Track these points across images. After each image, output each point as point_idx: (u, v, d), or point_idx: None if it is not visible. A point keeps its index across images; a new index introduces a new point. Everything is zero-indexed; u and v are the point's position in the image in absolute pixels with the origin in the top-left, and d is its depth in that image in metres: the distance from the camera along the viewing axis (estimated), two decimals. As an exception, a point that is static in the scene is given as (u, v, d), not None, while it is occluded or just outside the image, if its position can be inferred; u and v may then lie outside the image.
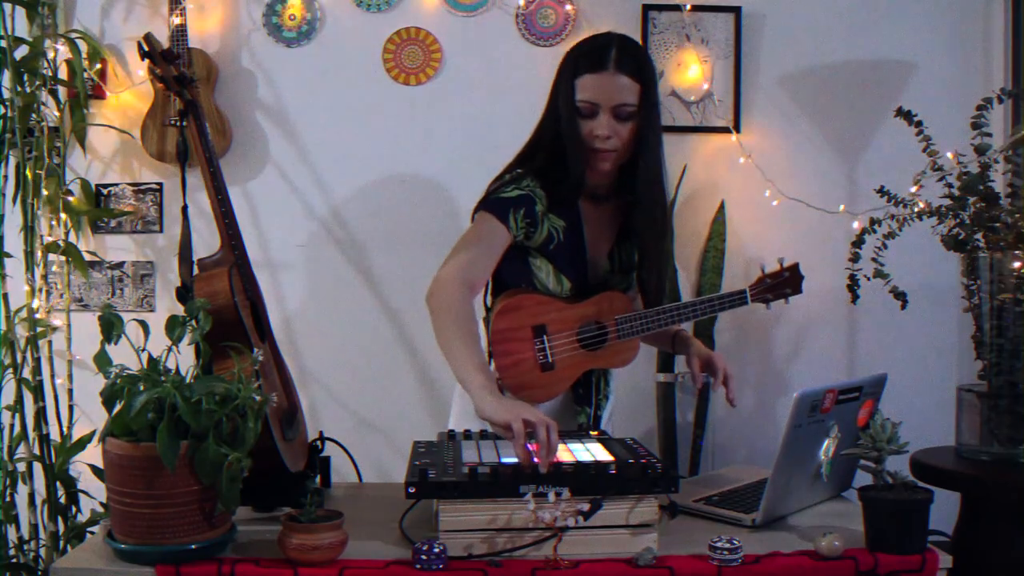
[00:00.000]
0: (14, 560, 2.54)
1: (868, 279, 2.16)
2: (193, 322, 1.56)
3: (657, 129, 1.92)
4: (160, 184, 2.81)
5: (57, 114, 2.66)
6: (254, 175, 2.82)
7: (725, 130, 2.83)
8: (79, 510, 2.60)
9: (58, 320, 2.68)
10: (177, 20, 2.64)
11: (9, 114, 2.54)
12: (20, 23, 2.63)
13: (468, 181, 2.25)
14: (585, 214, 1.99)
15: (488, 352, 1.96)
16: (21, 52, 2.54)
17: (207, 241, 2.52)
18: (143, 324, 1.59)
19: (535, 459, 1.53)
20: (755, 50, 2.85)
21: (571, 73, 1.89)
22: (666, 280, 2.09)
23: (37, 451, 2.55)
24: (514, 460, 1.58)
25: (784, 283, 2.05)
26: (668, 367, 2.79)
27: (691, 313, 2.01)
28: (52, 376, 2.66)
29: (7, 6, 2.53)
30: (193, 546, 1.45)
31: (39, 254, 2.61)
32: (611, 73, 1.85)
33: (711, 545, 1.47)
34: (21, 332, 2.57)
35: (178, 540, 1.44)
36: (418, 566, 1.42)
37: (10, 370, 2.53)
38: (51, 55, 2.64)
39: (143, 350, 1.53)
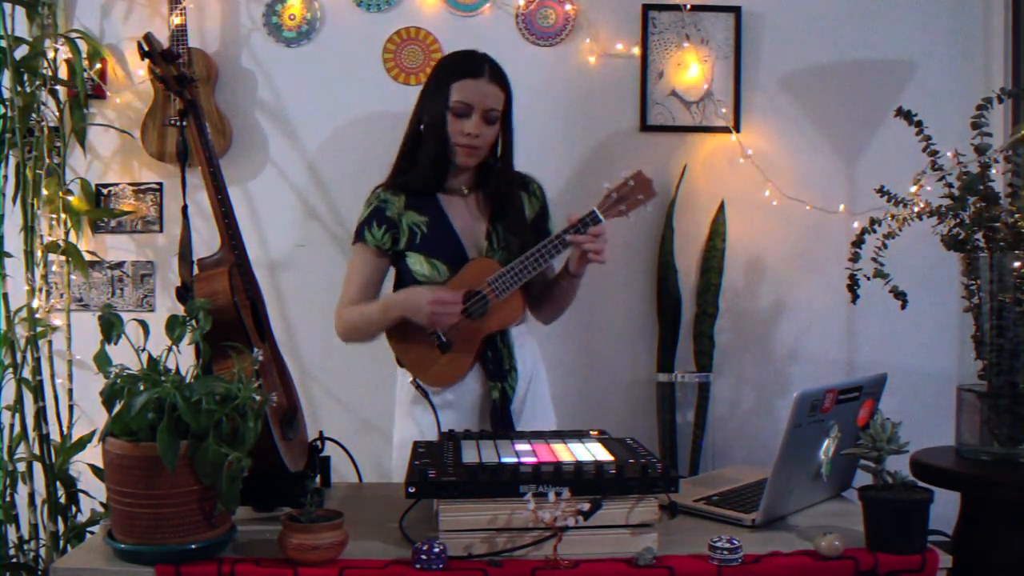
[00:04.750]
0: (14, 560, 2.54)
1: (868, 279, 2.16)
2: (193, 322, 1.56)
3: (510, 132, 2.20)
4: (160, 184, 2.81)
5: (57, 114, 2.66)
6: (254, 175, 2.82)
7: (725, 130, 2.83)
8: (79, 510, 2.59)
9: (58, 320, 2.68)
10: (177, 20, 2.64)
11: (9, 114, 2.54)
12: (20, 23, 2.63)
13: (468, 181, 2.24)
14: (450, 207, 2.20)
15: (396, 359, 2.23)
16: (21, 52, 2.54)
17: (207, 241, 2.52)
18: (143, 324, 1.60)
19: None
20: (755, 50, 2.85)
21: (447, 79, 2.13)
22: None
23: (37, 451, 2.55)
24: (514, 460, 1.59)
25: (632, 191, 2.11)
26: (668, 367, 2.79)
27: (552, 249, 2.10)
28: (52, 376, 2.66)
29: (7, 6, 2.53)
30: (193, 546, 1.45)
31: (39, 254, 2.61)
32: (485, 81, 2.11)
33: (711, 545, 1.47)
34: (21, 332, 2.57)
35: (178, 540, 1.45)
36: (418, 566, 1.42)
37: (10, 370, 2.53)
38: (51, 55, 2.64)
39: (143, 350, 1.53)
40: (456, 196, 2.22)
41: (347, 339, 2.24)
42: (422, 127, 2.18)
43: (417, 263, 2.15)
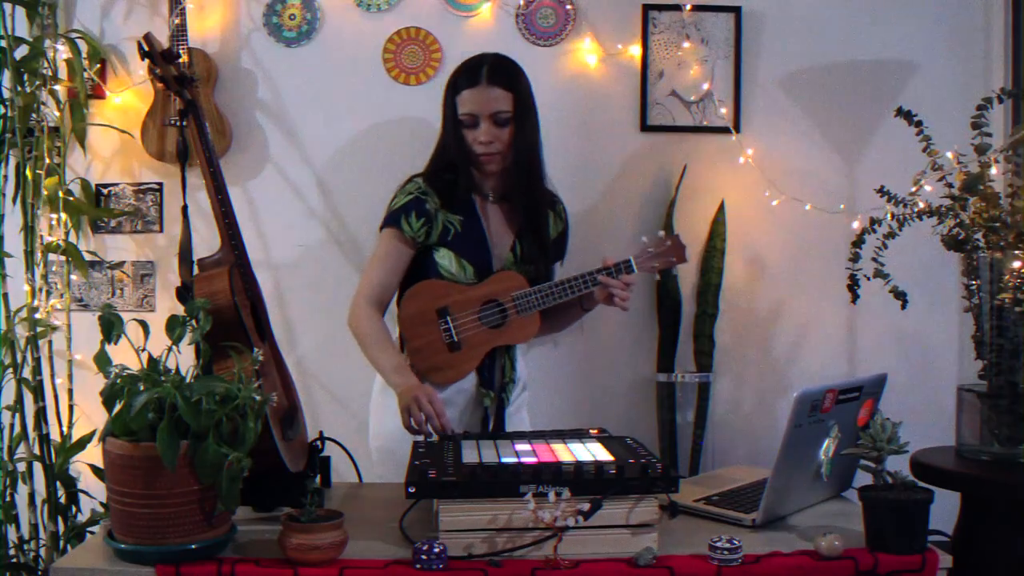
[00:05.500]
0: (14, 560, 2.54)
1: (868, 279, 2.16)
2: (193, 322, 1.56)
3: (531, 132, 2.18)
4: (160, 184, 2.81)
5: (57, 114, 2.66)
6: (254, 175, 2.82)
7: (725, 130, 2.83)
8: (79, 510, 2.59)
9: (58, 320, 2.68)
10: (177, 20, 2.64)
11: (9, 114, 2.54)
12: (20, 23, 2.63)
13: (468, 181, 2.24)
14: (483, 211, 2.22)
15: (400, 340, 2.20)
16: (21, 52, 2.54)
17: (207, 241, 2.52)
18: (143, 324, 1.60)
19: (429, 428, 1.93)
20: (755, 50, 2.85)
21: (452, 91, 2.17)
22: (552, 266, 2.30)
23: (37, 451, 2.55)
24: (514, 460, 1.59)
25: (667, 251, 2.20)
26: (668, 367, 2.79)
27: (582, 284, 2.15)
28: (52, 376, 2.66)
29: (7, 6, 2.53)
30: (193, 546, 1.45)
31: (39, 254, 2.61)
32: (485, 86, 2.12)
33: (711, 545, 1.47)
34: (21, 332, 2.57)
35: (178, 540, 1.45)
36: (418, 566, 1.42)
37: (10, 370, 2.53)
38: (51, 55, 2.64)
39: (143, 350, 1.53)
40: (487, 202, 2.24)
41: (352, 333, 2.19)
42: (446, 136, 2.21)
43: (446, 259, 2.16)
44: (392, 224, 2.16)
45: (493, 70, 2.14)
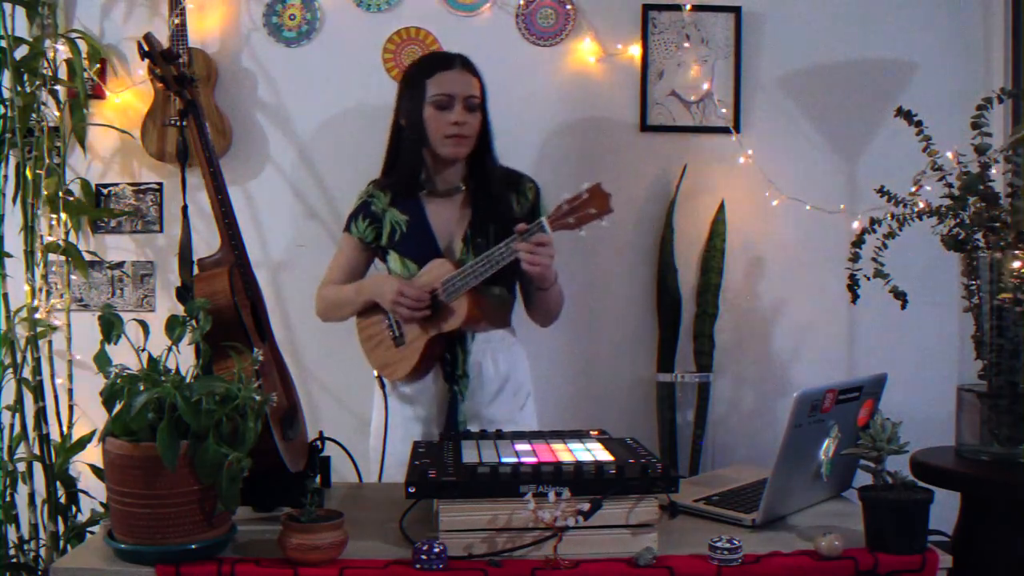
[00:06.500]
0: (14, 560, 2.54)
1: (868, 279, 2.16)
2: (193, 322, 1.56)
3: (489, 125, 2.23)
4: (160, 184, 2.81)
5: (57, 114, 2.66)
6: (254, 175, 2.82)
7: (725, 130, 2.83)
8: (79, 510, 2.59)
9: (58, 320, 2.68)
10: (177, 20, 2.64)
11: (9, 114, 2.54)
12: (20, 23, 2.63)
13: (468, 181, 2.24)
14: (430, 208, 2.23)
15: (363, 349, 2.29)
16: (21, 52, 2.54)
17: (207, 241, 2.52)
18: (143, 324, 1.60)
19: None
20: (755, 50, 2.85)
21: (422, 76, 2.17)
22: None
23: (37, 451, 2.55)
24: (514, 460, 1.59)
25: (585, 204, 1.96)
26: (668, 367, 2.79)
27: (499, 256, 2.03)
28: (52, 376, 2.66)
29: (7, 6, 2.53)
30: (193, 546, 1.45)
31: (39, 254, 2.61)
32: (459, 71, 2.17)
33: (711, 545, 1.47)
34: (21, 332, 2.57)
35: (178, 540, 1.45)
36: (418, 566, 1.42)
37: (10, 370, 2.53)
38: (51, 55, 2.64)
39: (143, 350, 1.53)
40: (440, 198, 2.23)
41: (324, 317, 2.32)
42: (402, 131, 2.22)
43: (393, 260, 2.22)
44: (347, 228, 2.29)
45: (463, 60, 2.21)
